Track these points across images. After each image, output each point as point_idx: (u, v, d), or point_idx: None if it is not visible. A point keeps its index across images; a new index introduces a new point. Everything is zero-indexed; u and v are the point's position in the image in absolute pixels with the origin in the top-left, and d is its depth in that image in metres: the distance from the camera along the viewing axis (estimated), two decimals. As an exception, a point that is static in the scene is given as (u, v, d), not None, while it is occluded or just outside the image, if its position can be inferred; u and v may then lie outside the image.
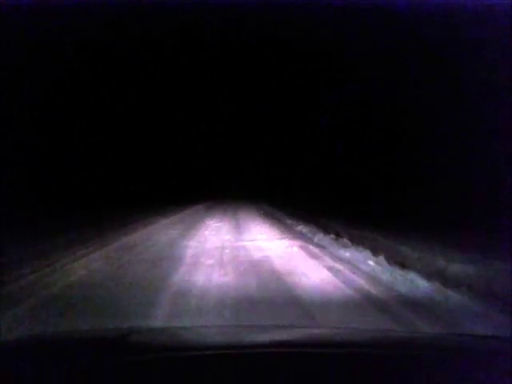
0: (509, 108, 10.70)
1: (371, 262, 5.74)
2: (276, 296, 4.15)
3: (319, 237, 8.60)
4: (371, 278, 5.02)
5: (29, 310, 3.77)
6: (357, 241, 7.61)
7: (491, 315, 3.62)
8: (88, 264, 5.81)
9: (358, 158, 22.08)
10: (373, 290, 4.44)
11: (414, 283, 4.64)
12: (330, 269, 5.50)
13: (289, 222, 12.68)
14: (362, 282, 4.80)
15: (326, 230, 9.40)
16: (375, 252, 6.28)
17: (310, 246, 7.54)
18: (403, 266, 5.44)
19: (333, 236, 8.53)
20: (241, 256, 6.57)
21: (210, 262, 6.02)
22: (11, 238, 7.26)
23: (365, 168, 20.88)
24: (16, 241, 7.27)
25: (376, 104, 19.75)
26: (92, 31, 17.30)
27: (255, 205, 22.97)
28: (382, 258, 5.86)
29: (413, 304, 3.95)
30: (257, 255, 6.64)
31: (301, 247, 7.47)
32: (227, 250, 7.07)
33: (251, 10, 18.04)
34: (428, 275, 4.86)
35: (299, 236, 9.22)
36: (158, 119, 32.68)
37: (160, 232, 9.91)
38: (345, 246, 7.27)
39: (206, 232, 9.92)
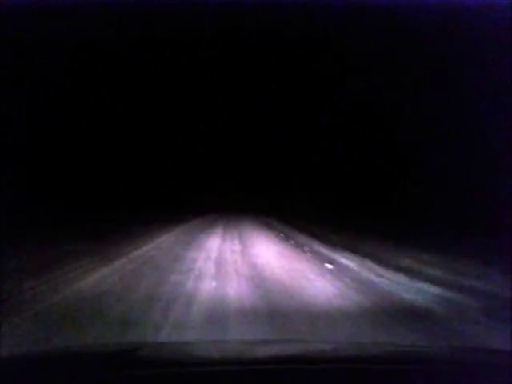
0: (509, 108, 10.69)
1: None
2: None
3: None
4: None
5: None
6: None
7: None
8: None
9: (358, 158, 22.07)
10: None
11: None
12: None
13: (326, 250, 9.03)
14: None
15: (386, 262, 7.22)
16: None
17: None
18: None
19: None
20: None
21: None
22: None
23: (365, 168, 20.88)
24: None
25: (376, 104, 19.75)
26: (92, 31, 17.30)
27: (267, 223, 18.87)
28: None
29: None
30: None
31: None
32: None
33: (251, 9, 18.04)
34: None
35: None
36: (157, 119, 32.68)
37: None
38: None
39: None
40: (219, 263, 6.80)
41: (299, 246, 9.62)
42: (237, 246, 9.38)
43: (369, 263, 7.18)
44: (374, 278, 5.94)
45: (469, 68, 12.74)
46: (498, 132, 11.21)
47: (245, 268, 6.46)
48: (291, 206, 28.40)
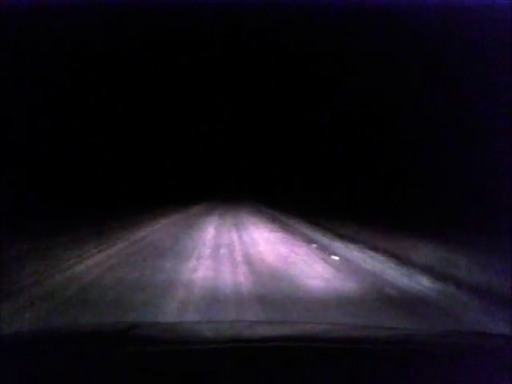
0: (509, 108, 10.70)
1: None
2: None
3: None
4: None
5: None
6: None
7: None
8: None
9: (358, 158, 22.08)
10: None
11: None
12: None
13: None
14: None
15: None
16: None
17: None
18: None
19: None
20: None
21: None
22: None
23: (365, 168, 20.89)
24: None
25: (376, 104, 19.76)
26: (92, 31, 17.31)
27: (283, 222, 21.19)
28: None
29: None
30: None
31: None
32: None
33: (251, 9, 18.05)
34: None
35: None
36: (158, 119, 32.69)
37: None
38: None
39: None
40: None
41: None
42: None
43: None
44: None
45: (469, 68, 12.75)
46: (498, 132, 11.22)
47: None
48: (289, 205, 28.40)
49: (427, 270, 5.79)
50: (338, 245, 8.32)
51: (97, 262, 6.16)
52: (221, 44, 28.37)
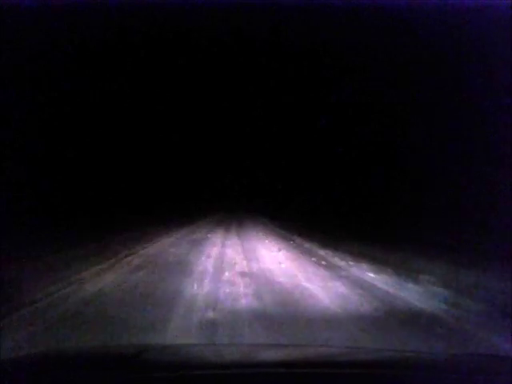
0: (509, 108, 10.68)
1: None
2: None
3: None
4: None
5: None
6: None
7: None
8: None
9: (358, 158, 22.05)
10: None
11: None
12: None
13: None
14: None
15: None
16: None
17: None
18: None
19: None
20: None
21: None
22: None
23: (365, 169, 20.87)
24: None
25: (376, 104, 19.73)
26: (92, 31, 17.30)
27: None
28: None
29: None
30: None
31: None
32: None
33: (251, 9, 18.04)
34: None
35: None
36: (157, 121, 32.67)
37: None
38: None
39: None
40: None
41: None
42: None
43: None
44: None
45: (469, 68, 12.73)
46: (498, 132, 11.20)
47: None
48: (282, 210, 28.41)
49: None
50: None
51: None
52: (221, 44, 28.37)
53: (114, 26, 17.69)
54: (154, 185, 30.64)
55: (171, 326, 3.70)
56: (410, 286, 5.88)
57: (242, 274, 6.36)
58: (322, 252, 9.45)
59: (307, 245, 11.00)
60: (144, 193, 27.53)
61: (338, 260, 8.27)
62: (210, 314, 4.13)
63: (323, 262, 7.94)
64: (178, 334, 3.48)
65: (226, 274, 6.36)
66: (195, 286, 5.35)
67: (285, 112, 36.60)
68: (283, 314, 4.25)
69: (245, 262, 7.59)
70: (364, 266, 7.51)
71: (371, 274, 6.70)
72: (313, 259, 8.33)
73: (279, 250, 9.79)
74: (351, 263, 7.82)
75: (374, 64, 18.74)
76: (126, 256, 7.62)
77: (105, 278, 5.69)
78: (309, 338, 3.49)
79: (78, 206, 17.01)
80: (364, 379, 1.28)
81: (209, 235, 12.53)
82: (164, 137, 34.08)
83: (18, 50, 13.93)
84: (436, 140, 14.98)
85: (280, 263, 7.69)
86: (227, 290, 5.19)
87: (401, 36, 15.56)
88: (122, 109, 24.44)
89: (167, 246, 9.71)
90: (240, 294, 5.01)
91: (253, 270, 6.79)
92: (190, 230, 14.16)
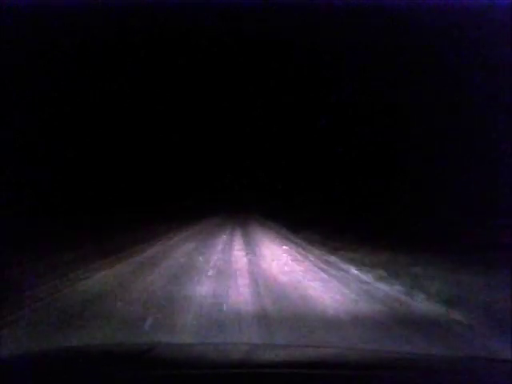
0: (509, 108, 10.68)
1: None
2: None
3: None
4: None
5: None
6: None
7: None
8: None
9: (358, 158, 22.05)
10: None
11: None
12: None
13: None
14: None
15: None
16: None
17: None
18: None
19: None
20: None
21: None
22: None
23: (365, 169, 20.86)
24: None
25: (376, 104, 19.74)
26: (92, 31, 17.29)
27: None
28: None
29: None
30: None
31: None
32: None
33: (251, 9, 18.03)
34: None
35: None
36: (157, 121, 32.65)
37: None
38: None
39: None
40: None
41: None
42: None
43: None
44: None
45: (469, 68, 12.73)
46: (497, 132, 11.20)
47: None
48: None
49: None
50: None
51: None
52: (220, 43, 28.35)
53: (114, 26, 17.68)
54: (154, 185, 30.61)
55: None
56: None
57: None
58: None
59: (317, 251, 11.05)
60: (144, 193, 27.51)
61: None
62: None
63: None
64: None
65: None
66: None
67: (285, 112, 36.56)
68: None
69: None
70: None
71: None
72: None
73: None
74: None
75: (374, 64, 18.74)
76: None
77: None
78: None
79: (78, 206, 17.01)
80: (364, 380, 1.28)
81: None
82: (164, 137, 34.06)
83: (17, 49, 13.93)
84: (436, 140, 14.98)
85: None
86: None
87: (401, 36, 15.55)
88: (122, 109, 24.42)
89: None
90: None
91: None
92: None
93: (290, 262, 8.11)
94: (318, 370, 1.39)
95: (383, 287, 5.85)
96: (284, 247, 10.50)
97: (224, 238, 12.52)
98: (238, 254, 8.86)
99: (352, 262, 7.87)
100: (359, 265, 7.49)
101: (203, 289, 5.38)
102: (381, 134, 19.38)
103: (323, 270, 7.12)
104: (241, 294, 5.13)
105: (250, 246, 10.41)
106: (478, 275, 6.03)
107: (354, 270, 7.12)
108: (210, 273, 6.56)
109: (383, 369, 1.45)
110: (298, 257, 8.86)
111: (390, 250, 8.71)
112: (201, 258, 8.08)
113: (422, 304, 4.94)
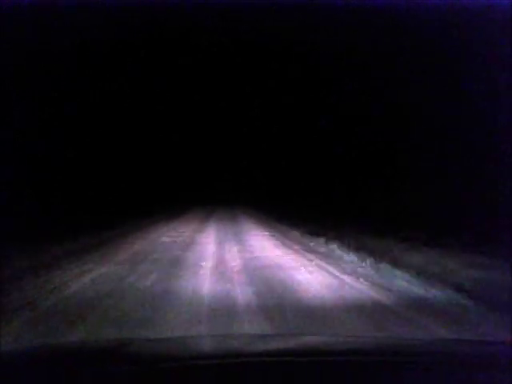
0: (509, 108, 10.69)
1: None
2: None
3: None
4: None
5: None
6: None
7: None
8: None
9: (358, 158, 22.05)
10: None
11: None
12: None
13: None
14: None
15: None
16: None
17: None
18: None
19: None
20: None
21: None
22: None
23: (365, 169, 20.87)
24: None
25: (376, 104, 19.74)
26: (92, 31, 17.27)
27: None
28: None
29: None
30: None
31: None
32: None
33: (250, 9, 18.01)
34: None
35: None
36: (156, 121, 32.64)
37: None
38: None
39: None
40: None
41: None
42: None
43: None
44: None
45: (469, 68, 12.74)
46: (497, 132, 11.20)
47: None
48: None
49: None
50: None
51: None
52: (219, 43, 28.33)
53: (114, 26, 17.66)
54: (153, 185, 30.62)
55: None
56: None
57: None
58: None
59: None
60: (144, 193, 27.52)
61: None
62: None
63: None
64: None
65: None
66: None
67: (284, 112, 36.53)
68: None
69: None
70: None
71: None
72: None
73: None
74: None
75: (373, 64, 18.74)
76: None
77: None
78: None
79: (78, 206, 17.00)
80: (367, 367, 1.28)
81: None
82: (163, 137, 34.05)
83: (17, 49, 13.92)
84: (436, 140, 14.99)
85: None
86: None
87: (401, 36, 15.55)
88: (121, 108, 24.41)
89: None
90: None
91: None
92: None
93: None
94: (317, 358, 1.38)
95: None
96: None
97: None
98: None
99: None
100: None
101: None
102: (381, 134, 19.38)
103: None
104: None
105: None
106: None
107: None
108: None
109: (380, 355, 1.45)
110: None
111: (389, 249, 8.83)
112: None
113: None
